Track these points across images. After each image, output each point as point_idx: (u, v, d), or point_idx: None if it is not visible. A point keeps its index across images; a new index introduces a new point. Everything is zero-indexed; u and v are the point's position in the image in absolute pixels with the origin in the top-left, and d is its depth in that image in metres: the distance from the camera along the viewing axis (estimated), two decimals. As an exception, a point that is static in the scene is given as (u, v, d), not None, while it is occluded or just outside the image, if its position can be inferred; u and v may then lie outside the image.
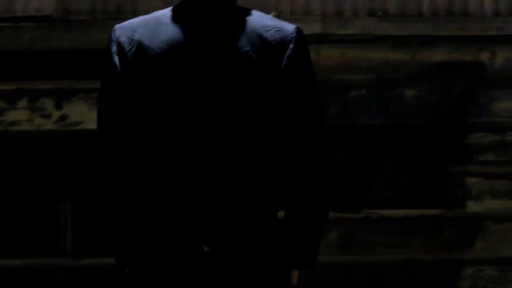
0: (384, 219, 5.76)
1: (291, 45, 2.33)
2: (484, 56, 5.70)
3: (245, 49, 2.28)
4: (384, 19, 5.62)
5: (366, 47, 5.69)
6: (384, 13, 5.65)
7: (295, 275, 2.42)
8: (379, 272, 5.75)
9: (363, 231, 5.76)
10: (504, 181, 5.75)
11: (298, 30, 2.38)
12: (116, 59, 2.37)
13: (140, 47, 2.33)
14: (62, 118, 5.74)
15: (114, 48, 2.37)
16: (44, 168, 5.76)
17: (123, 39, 2.37)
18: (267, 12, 5.39)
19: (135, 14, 5.59)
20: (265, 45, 2.29)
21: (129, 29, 2.38)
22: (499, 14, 5.66)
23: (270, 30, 2.32)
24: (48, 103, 5.73)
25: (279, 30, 2.34)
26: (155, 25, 2.35)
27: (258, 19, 2.33)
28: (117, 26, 2.42)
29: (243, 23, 2.30)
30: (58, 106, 5.72)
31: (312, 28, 5.58)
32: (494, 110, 5.72)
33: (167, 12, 2.41)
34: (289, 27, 2.36)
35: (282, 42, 2.33)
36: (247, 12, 2.35)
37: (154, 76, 2.30)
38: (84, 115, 5.73)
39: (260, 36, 2.30)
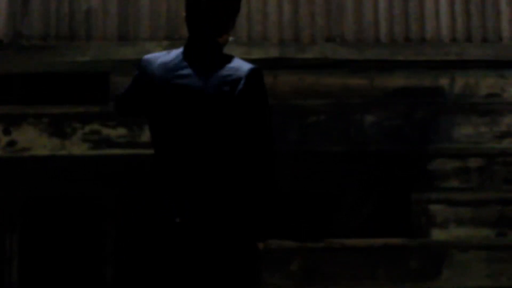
0: (346, 248, 5.53)
1: (242, 81, 3.22)
2: (444, 81, 5.65)
3: (209, 87, 3.25)
4: (342, 44, 5.58)
5: (324, 72, 5.61)
6: (342, 39, 5.61)
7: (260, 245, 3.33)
8: (343, 304, 5.47)
9: (325, 262, 5.51)
10: (468, 208, 5.58)
11: (253, 69, 3.25)
12: (134, 80, 3.42)
13: (146, 76, 3.38)
14: (11, 143, 5.52)
15: (136, 73, 3.42)
16: (-10, 196, 5.49)
17: (142, 66, 3.40)
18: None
19: (88, 39, 5.49)
20: (223, 82, 3.24)
21: (146, 61, 3.40)
22: (456, 40, 5.65)
23: (230, 70, 3.25)
24: (-4, 128, 5.52)
25: (237, 70, 3.25)
26: (161, 62, 3.38)
27: (227, 63, 3.27)
28: (144, 57, 3.46)
29: (213, 67, 3.27)
30: (7, 131, 5.50)
31: (269, 52, 5.52)
32: (455, 136, 5.62)
33: (173, 52, 3.40)
34: (246, 67, 3.25)
35: (237, 79, 3.24)
36: (223, 58, 3.30)
37: (152, 100, 3.35)
38: (34, 140, 5.52)
39: (222, 76, 3.24)
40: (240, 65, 3.27)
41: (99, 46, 5.46)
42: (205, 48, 3.35)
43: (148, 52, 5.47)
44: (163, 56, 3.38)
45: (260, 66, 5.19)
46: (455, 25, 5.64)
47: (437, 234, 5.56)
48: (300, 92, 5.58)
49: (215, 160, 3.28)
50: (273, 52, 5.51)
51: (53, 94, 5.61)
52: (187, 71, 3.33)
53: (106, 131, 5.53)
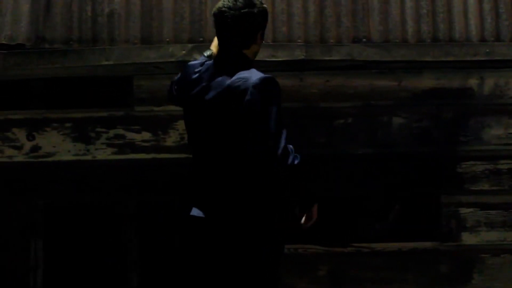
0: (374, 252, 5.44)
1: (249, 91, 3.43)
2: (473, 82, 5.54)
3: (217, 97, 3.53)
4: (369, 45, 5.48)
5: (351, 74, 5.51)
6: (368, 40, 5.51)
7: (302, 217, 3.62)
8: (372, 310, 5.39)
9: (353, 266, 5.42)
10: (499, 211, 5.48)
11: (262, 79, 3.48)
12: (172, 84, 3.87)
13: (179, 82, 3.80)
14: (35, 149, 5.46)
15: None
16: (15, 202, 5.43)
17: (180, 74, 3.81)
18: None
19: (111, 43, 5.42)
20: (231, 93, 3.47)
21: (185, 66, 3.78)
22: (485, 40, 5.54)
23: (239, 81, 3.47)
24: (19, 134, 5.46)
25: (246, 81, 3.46)
26: (192, 71, 3.72)
27: (241, 74, 3.50)
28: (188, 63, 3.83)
29: (228, 77, 3.51)
30: (30, 137, 5.45)
31: (295, 54, 5.43)
32: (485, 138, 5.51)
33: (206, 63, 3.70)
34: (255, 77, 3.46)
35: (244, 89, 3.45)
36: (242, 69, 3.55)
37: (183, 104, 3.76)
38: (58, 145, 5.46)
39: (230, 87, 3.48)
40: (248, 76, 3.47)
41: (122, 49, 5.40)
42: (228, 60, 3.58)
43: (172, 55, 5.41)
44: (197, 65, 3.68)
45: (286, 68, 5.10)
46: (484, 25, 5.53)
47: (468, 238, 5.46)
48: (327, 94, 5.49)
49: (228, 165, 3.50)
50: (299, 54, 5.42)
51: (76, 98, 5.55)
52: (206, 81, 3.58)
53: (130, 135, 5.46)
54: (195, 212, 3.54)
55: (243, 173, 3.48)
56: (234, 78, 3.49)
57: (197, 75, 3.63)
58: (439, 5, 5.51)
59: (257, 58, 5.20)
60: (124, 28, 5.46)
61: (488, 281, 5.41)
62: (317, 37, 5.49)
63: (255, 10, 3.56)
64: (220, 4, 3.59)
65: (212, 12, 3.65)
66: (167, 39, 5.45)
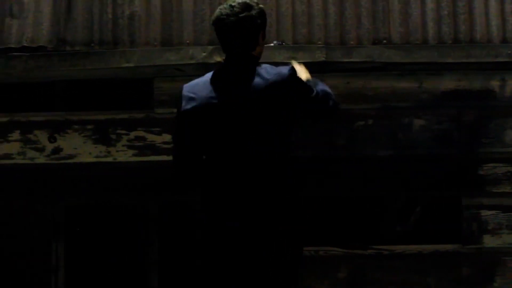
0: (395, 255, 5.42)
1: (287, 80, 3.53)
2: (494, 83, 5.51)
3: (255, 93, 3.51)
4: (389, 46, 5.46)
5: (371, 76, 5.50)
6: (389, 41, 5.50)
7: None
8: (392, 312, 5.37)
9: (373, 269, 5.41)
10: (521, 214, 5.45)
11: (291, 67, 3.60)
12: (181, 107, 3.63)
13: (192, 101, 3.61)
14: (56, 151, 5.49)
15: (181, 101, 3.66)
16: (36, 203, 5.47)
17: (184, 94, 3.67)
18: (269, 41, 5.26)
19: (132, 45, 5.44)
20: (268, 87, 3.51)
21: (188, 87, 3.71)
22: (507, 41, 5.50)
23: (272, 76, 3.53)
24: (41, 136, 5.50)
25: (280, 73, 3.54)
26: (203, 85, 3.63)
27: (265, 72, 3.54)
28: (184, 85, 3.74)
29: (253, 77, 3.53)
30: (52, 139, 5.48)
31: (315, 56, 5.42)
32: (507, 140, 5.48)
33: (210, 75, 3.66)
34: (285, 70, 3.55)
35: (281, 81, 3.53)
36: (258, 67, 3.57)
37: (202, 119, 3.57)
38: (78, 147, 5.49)
39: (266, 82, 3.52)
40: (278, 71, 3.54)
41: (143, 51, 5.42)
42: (241, 62, 3.60)
43: (192, 57, 5.41)
44: (200, 81, 3.66)
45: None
46: (506, 26, 5.50)
47: (489, 241, 5.42)
48: (348, 96, 5.48)
49: (261, 167, 3.52)
50: (319, 56, 5.41)
51: (97, 100, 5.58)
52: (230, 88, 3.57)
53: (151, 137, 5.48)
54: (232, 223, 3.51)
55: (281, 171, 3.53)
56: (265, 75, 3.54)
57: (211, 87, 3.59)
58: (460, 6, 5.48)
59: (277, 60, 5.23)
60: (145, 30, 5.48)
61: (510, 283, 5.37)
62: (337, 39, 5.48)
63: (253, 13, 3.56)
64: (217, 13, 3.59)
65: (211, 22, 3.63)
66: (187, 41, 5.47)
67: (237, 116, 3.53)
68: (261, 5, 3.65)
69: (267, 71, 3.55)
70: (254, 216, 3.48)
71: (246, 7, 3.57)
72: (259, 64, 3.62)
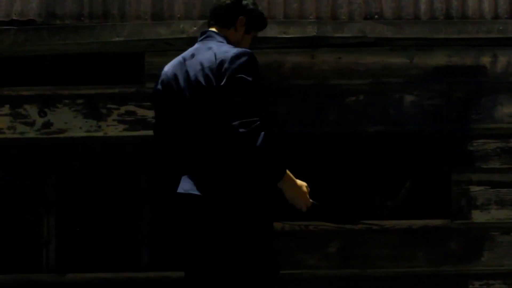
0: (385, 230, 5.46)
1: (227, 63, 3.46)
2: (486, 59, 5.52)
3: (202, 68, 3.53)
4: (381, 22, 5.45)
5: (363, 51, 5.49)
6: (380, 16, 5.48)
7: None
8: (381, 287, 5.41)
9: (363, 243, 5.45)
10: (510, 189, 5.48)
11: (239, 52, 3.50)
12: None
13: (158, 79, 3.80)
14: (46, 125, 5.47)
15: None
16: (27, 178, 5.45)
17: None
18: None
19: (122, 18, 5.40)
20: (214, 63, 3.49)
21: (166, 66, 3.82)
22: (498, 17, 5.50)
23: (221, 53, 3.50)
24: (31, 110, 5.46)
25: (226, 53, 3.50)
26: (173, 61, 3.80)
27: (220, 49, 3.53)
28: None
29: (208, 53, 3.55)
30: (42, 113, 5.46)
31: (307, 31, 5.40)
32: (497, 116, 5.50)
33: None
34: (234, 50, 3.49)
35: (224, 60, 3.49)
36: (218, 44, 3.62)
37: (160, 97, 3.75)
38: (69, 122, 5.46)
39: (215, 57, 3.52)
40: (230, 49, 3.51)
41: (133, 25, 5.38)
42: (204, 38, 3.75)
43: (183, 31, 5.38)
44: (177, 57, 3.77)
45: (297, 45, 5.07)
46: (498, 1, 5.49)
47: (478, 216, 5.47)
48: (339, 72, 5.47)
49: (206, 140, 3.50)
50: (310, 31, 5.39)
51: (87, 74, 5.55)
52: (183, 63, 3.68)
53: (142, 112, 5.46)
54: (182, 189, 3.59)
55: (219, 148, 3.49)
56: (216, 52, 3.55)
57: (175, 62, 3.76)
58: (452, -19, 5.47)
59: (268, 35, 5.21)
60: (135, 4, 5.44)
61: (497, 258, 5.43)
62: (329, 14, 5.46)
63: (248, 2, 3.79)
64: None
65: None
66: (178, 15, 5.43)
67: (182, 93, 3.58)
68: (255, 5, 3.82)
69: (220, 49, 3.56)
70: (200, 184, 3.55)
71: None
72: (222, 42, 3.67)
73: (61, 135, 5.43)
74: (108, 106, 5.45)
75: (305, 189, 3.55)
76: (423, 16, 5.48)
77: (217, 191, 3.48)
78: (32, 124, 5.44)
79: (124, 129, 5.44)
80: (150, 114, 5.43)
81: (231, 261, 3.48)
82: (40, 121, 5.45)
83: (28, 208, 5.48)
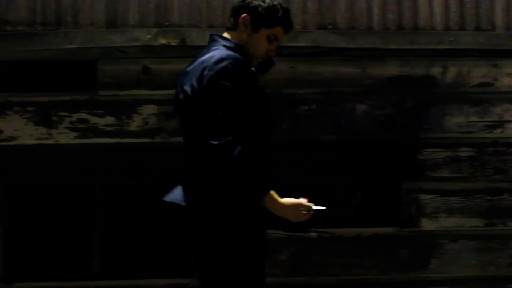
0: (336, 238, 5.53)
1: (207, 69, 3.30)
2: (436, 70, 5.60)
3: (190, 77, 3.39)
4: (334, 32, 5.49)
5: (316, 60, 5.53)
6: (334, 26, 5.52)
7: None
8: (333, 294, 5.49)
9: (314, 251, 5.51)
10: (458, 198, 5.59)
11: (222, 56, 3.32)
12: None
13: None
14: (-4, 133, 5.41)
15: None
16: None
17: None
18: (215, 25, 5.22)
19: (75, 26, 5.35)
20: (199, 71, 3.34)
21: None
22: (449, 29, 5.58)
23: (207, 59, 3.35)
24: (-19, 117, 5.40)
25: (211, 58, 3.35)
26: None
27: (210, 54, 3.37)
28: None
29: (200, 60, 3.40)
30: (-8, 120, 5.39)
31: (261, 40, 5.40)
32: (447, 125, 5.59)
33: None
34: (219, 55, 3.33)
35: (206, 66, 3.34)
36: (218, 47, 3.48)
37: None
38: (19, 129, 5.41)
39: (201, 64, 3.36)
40: (215, 54, 3.36)
41: (87, 33, 5.34)
42: (209, 40, 3.59)
43: (137, 39, 5.36)
44: None
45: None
46: (448, 13, 5.57)
47: (427, 224, 5.57)
48: (292, 81, 5.51)
49: (193, 153, 3.38)
50: (264, 40, 5.39)
51: (39, 82, 5.49)
52: (184, 71, 3.52)
53: (94, 120, 5.43)
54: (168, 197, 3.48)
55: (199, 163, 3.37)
56: (206, 55, 3.42)
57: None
58: (404, -7, 5.53)
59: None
60: (89, 11, 5.40)
61: (445, 266, 5.54)
62: (282, 23, 5.46)
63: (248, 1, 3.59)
64: None
65: None
66: (132, 23, 5.40)
67: (178, 103, 3.47)
68: (264, 1, 3.58)
69: (211, 54, 3.39)
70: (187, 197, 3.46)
71: None
72: (227, 46, 3.47)
73: (11, 143, 5.37)
74: (60, 113, 5.41)
75: (293, 210, 3.41)
76: (376, 26, 5.54)
77: (195, 202, 3.38)
78: (-18, 131, 5.38)
79: (76, 137, 5.41)
80: (102, 122, 5.41)
81: (209, 271, 3.42)
82: (-10, 128, 5.38)
83: (-22, 216, 5.42)
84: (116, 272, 5.46)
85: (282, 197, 3.42)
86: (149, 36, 5.34)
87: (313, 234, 5.50)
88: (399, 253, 5.54)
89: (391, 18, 5.54)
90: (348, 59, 5.52)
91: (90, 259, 5.48)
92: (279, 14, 3.55)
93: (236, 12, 3.57)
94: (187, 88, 3.38)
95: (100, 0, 5.38)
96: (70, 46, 5.31)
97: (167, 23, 5.41)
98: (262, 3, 3.54)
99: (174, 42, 5.36)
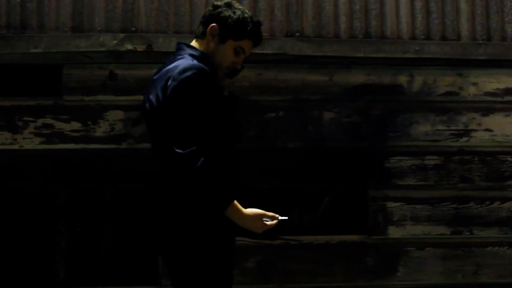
0: (303, 245, 5.50)
1: (171, 79, 3.28)
2: (402, 79, 5.63)
3: (155, 86, 3.37)
4: (301, 39, 5.50)
5: (283, 68, 5.53)
6: (301, 34, 5.53)
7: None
8: (300, 302, 5.45)
9: (281, 259, 5.48)
10: (425, 206, 5.60)
11: (186, 66, 3.29)
12: None
13: None
14: (-41, 137, 5.32)
15: None
16: None
17: None
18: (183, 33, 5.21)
19: (41, 30, 5.31)
20: (163, 80, 3.32)
21: None
22: (415, 38, 5.62)
23: (172, 68, 3.32)
24: None
25: (176, 68, 3.32)
26: None
27: (176, 64, 3.34)
28: None
29: (165, 69, 3.36)
30: (-45, 125, 5.31)
31: (228, 47, 5.40)
32: (413, 134, 5.61)
33: None
34: (183, 65, 3.30)
35: (170, 76, 3.31)
36: (182, 55, 3.45)
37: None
38: (-17, 134, 5.33)
39: (166, 73, 3.33)
40: (180, 64, 3.33)
41: (52, 37, 5.29)
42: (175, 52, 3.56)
43: (103, 44, 5.32)
44: None
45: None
46: (415, 23, 5.61)
47: (394, 232, 5.57)
48: (259, 88, 5.50)
49: (161, 160, 3.36)
50: (231, 47, 5.39)
51: (3, 86, 5.43)
52: (152, 79, 3.51)
53: (59, 125, 5.37)
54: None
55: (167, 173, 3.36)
56: (170, 67, 3.38)
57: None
58: (371, 1, 5.56)
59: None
60: (54, 15, 5.36)
61: (412, 273, 5.53)
62: (250, 30, 5.46)
63: (217, 9, 3.54)
64: None
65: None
66: (99, 28, 5.37)
67: (145, 112, 3.45)
68: (240, 14, 3.56)
69: (177, 63, 3.37)
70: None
71: (227, 4, 3.58)
72: (193, 55, 3.45)
73: (-25, 148, 5.29)
74: (25, 118, 5.34)
75: (256, 221, 3.38)
76: (343, 35, 5.56)
77: (163, 208, 3.36)
78: None
79: (41, 142, 5.34)
80: (67, 127, 5.35)
81: (178, 277, 3.40)
82: (-47, 133, 5.30)
83: None
84: (81, 279, 5.37)
85: (251, 201, 3.42)
86: (115, 42, 5.31)
87: (280, 241, 5.46)
88: (366, 261, 5.52)
89: (358, 26, 5.57)
90: (315, 67, 5.54)
91: (54, 265, 5.39)
92: (248, 28, 3.54)
93: (206, 20, 3.54)
94: (152, 97, 3.36)
95: (66, 4, 5.34)
96: (35, 50, 5.27)
97: (133, 29, 5.39)
98: (232, 15, 3.52)
99: (140, 48, 5.33)
